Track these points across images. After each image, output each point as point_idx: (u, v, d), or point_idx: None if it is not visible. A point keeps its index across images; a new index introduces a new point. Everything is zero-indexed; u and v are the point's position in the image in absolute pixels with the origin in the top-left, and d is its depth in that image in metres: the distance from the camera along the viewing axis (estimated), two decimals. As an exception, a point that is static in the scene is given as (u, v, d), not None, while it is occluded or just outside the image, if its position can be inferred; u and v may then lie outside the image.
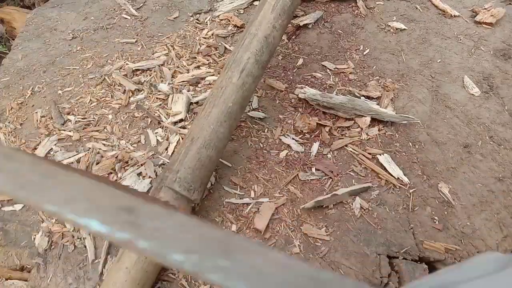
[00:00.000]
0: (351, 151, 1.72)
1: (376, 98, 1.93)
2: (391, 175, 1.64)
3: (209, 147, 1.43)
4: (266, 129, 1.80)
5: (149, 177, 1.61)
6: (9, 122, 1.82)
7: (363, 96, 1.92)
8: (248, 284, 0.22)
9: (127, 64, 2.06)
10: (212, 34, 2.23)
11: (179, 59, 2.09)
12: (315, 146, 1.73)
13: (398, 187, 1.62)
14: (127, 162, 1.66)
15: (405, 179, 1.64)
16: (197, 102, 1.89)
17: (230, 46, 2.17)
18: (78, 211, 0.25)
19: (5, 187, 0.26)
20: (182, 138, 1.75)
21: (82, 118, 1.83)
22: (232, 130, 1.54)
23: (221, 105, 1.48)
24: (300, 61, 2.10)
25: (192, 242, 0.23)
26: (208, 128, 1.45)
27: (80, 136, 1.75)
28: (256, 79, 1.57)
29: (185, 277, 1.38)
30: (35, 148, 1.71)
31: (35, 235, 1.47)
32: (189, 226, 0.24)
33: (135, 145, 1.73)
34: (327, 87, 1.97)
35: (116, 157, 1.66)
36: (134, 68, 2.03)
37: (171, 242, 0.23)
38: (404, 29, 2.30)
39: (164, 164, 1.66)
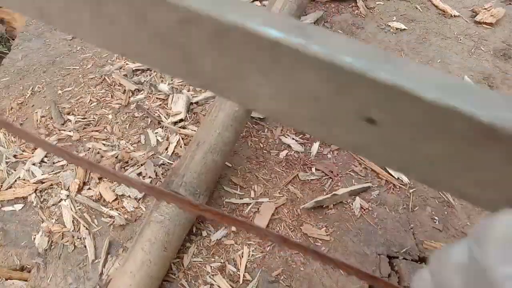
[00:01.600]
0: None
1: (376, 98, 1.93)
2: (391, 175, 1.64)
3: (215, 151, 1.43)
4: (266, 129, 1.80)
5: (149, 177, 1.61)
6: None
7: (363, 96, 1.92)
8: (410, 81, 0.25)
9: (127, 64, 2.06)
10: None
11: (179, 59, 2.09)
12: (315, 146, 1.73)
13: (398, 187, 1.62)
14: (127, 162, 1.66)
15: (405, 179, 1.64)
16: (197, 102, 1.89)
17: (230, 46, 2.17)
18: (258, 22, 0.28)
19: (192, 3, 0.29)
20: (182, 139, 1.75)
21: (82, 118, 1.83)
22: (238, 134, 1.54)
23: (227, 109, 1.49)
24: (300, 61, 2.10)
25: (358, 51, 0.26)
26: (214, 132, 1.45)
27: (80, 136, 1.75)
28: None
29: (185, 277, 1.38)
30: (35, 148, 1.71)
31: (35, 235, 1.47)
32: (352, 41, 0.27)
33: (135, 145, 1.73)
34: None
35: (116, 157, 1.67)
36: (134, 68, 2.03)
37: (340, 48, 0.26)
38: (404, 29, 2.30)
39: (164, 164, 1.66)
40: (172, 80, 1.98)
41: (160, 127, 1.80)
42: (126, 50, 0.37)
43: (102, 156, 1.67)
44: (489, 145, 0.25)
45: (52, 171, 1.63)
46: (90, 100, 1.90)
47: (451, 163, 0.28)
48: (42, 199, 1.56)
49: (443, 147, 0.27)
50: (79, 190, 1.56)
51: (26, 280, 1.39)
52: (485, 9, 2.40)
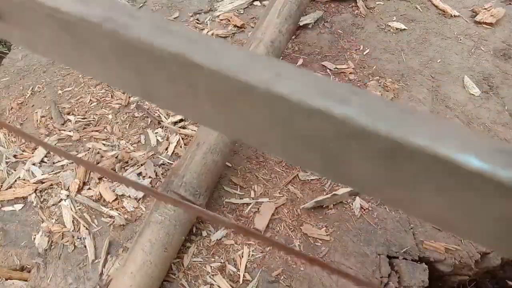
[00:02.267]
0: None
1: (376, 98, 1.92)
2: (391, 175, 1.64)
3: (215, 152, 1.43)
4: (266, 129, 1.80)
5: (149, 177, 1.61)
6: (9, 122, 1.82)
7: (363, 96, 1.92)
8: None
9: (127, 64, 2.05)
10: (212, 34, 2.23)
11: (179, 59, 2.09)
12: (315, 146, 1.73)
13: (398, 187, 1.62)
14: (127, 162, 1.66)
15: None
16: (197, 102, 1.89)
17: (230, 46, 2.17)
18: (452, 147, 0.24)
19: (360, 119, 0.26)
20: (182, 139, 1.75)
21: (82, 118, 1.83)
22: None
23: None
24: (300, 61, 2.10)
25: None
26: (214, 133, 1.45)
27: (80, 136, 1.75)
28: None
29: (185, 278, 1.38)
30: (35, 148, 1.71)
31: (35, 235, 1.47)
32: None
33: (135, 145, 1.73)
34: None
35: (116, 157, 1.66)
36: (134, 68, 2.02)
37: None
38: (404, 29, 2.30)
39: (164, 164, 1.66)
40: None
41: (160, 127, 1.80)
42: (251, 141, 0.34)
43: (102, 156, 1.67)
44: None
45: (52, 171, 1.63)
46: (90, 100, 1.90)
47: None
48: (42, 199, 1.56)
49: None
50: (79, 190, 1.56)
51: (26, 280, 1.39)
52: (485, 9, 2.40)
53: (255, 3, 2.42)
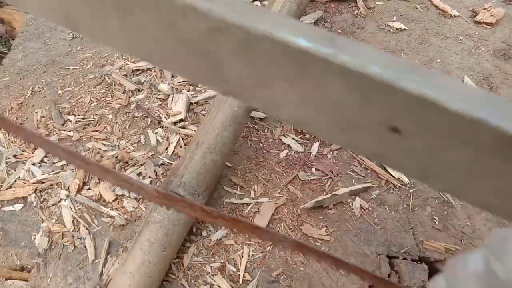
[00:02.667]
0: (351, 151, 1.72)
1: (376, 98, 1.93)
2: (391, 175, 1.64)
3: (214, 151, 1.43)
4: (266, 129, 1.80)
5: (149, 177, 1.61)
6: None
7: (363, 96, 1.92)
8: (438, 92, 0.26)
9: (127, 64, 2.06)
10: (212, 34, 2.23)
11: (179, 59, 2.09)
12: (315, 146, 1.73)
13: (398, 187, 1.62)
14: (127, 162, 1.66)
15: (405, 179, 1.64)
16: (197, 102, 1.89)
17: (230, 46, 2.17)
18: (287, 32, 0.28)
19: (219, 11, 0.30)
20: (182, 138, 1.75)
21: (82, 118, 1.83)
22: (237, 134, 1.54)
23: (226, 110, 1.49)
24: (300, 61, 2.10)
25: (387, 62, 0.27)
26: (213, 132, 1.45)
27: (80, 136, 1.75)
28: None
29: (185, 277, 1.38)
30: (35, 148, 1.71)
31: (35, 235, 1.47)
32: (381, 53, 0.28)
33: (135, 145, 1.73)
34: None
35: (116, 157, 1.67)
36: (134, 68, 2.03)
37: (369, 59, 0.27)
38: (404, 29, 2.30)
39: (164, 164, 1.66)
40: (172, 80, 1.98)
41: (160, 127, 1.80)
42: (151, 56, 0.37)
43: (102, 156, 1.67)
44: None
45: (52, 171, 1.63)
46: (90, 100, 1.90)
47: (472, 173, 0.28)
48: (42, 199, 1.56)
49: (466, 157, 0.27)
50: (79, 190, 1.56)
51: (26, 280, 1.39)
52: (485, 9, 2.40)
53: (255, 3, 2.42)
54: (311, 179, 1.63)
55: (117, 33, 0.37)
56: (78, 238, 1.45)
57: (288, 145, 1.74)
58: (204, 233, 1.47)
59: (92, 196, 1.55)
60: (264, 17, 0.30)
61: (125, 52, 0.42)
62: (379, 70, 0.26)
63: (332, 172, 1.65)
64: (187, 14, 0.31)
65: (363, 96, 0.28)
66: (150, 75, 2.01)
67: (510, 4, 2.49)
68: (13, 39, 2.48)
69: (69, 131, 1.77)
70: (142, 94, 1.93)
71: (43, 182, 1.60)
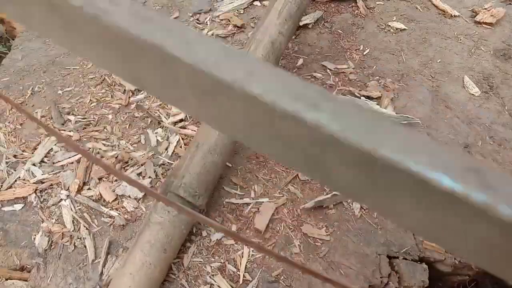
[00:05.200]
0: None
1: (376, 98, 1.93)
2: (391, 175, 1.64)
3: (215, 152, 1.43)
4: (266, 129, 1.80)
5: (149, 177, 1.61)
6: (9, 122, 1.82)
7: (363, 96, 1.92)
8: None
9: (127, 64, 2.05)
10: (212, 34, 2.23)
11: (179, 59, 2.09)
12: (315, 146, 1.73)
13: (398, 187, 1.62)
14: (127, 162, 1.66)
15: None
16: (197, 102, 1.89)
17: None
18: (422, 163, 0.23)
19: (326, 124, 0.25)
20: (182, 139, 1.75)
21: (82, 118, 1.83)
22: None
23: None
24: (300, 61, 2.10)
25: None
26: (214, 133, 1.45)
27: (80, 136, 1.75)
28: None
29: (185, 277, 1.38)
30: (35, 148, 1.71)
31: (35, 235, 1.46)
32: None
33: (135, 145, 1.73)
34: (327, 87, 1.97)
35: (116, 157, 1.66)
36: (134, 68, 2.02)
37: None
38: (404, 29, 2.30)
39: (164, 164, 1.66)
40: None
41: (160, 127, 1.80)
42: (237, 136, 0.34)
43: (102, 156, 1.67)
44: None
45: (52, 171, 1.63)
46: (90, 100, 1.90)
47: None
48: (42, 199, 1.56)
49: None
50: (79, 190, 1.56)
51: (26, 280, 1.39)
52: (485, 9, 2.40)
53: (255, 3, 2.42)
54: (311, 179, 1.63)
55: (193, 106, 0.34)
56: (78, 238, 1.45)
57: (288, 145, 1.73)
58: (204, 233, 1.47)
59: (92, 196, 1.55)
60: (390, 137, 0.25)
61: (203, 121, 0.39)
62: None
63: (332, 172, 1.65)
64: (286, 120, 0.27)
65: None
66: (150, 75, 2.01)
67: (510, 4, 2.49)
68: (13, 39, 2.48)
69: (69, 131, 1.77)
70: (142, 94, 1.92)
71: (43, 182, 1.60)
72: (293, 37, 2.23)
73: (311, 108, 0.26)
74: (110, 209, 1.51)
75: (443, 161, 0.23)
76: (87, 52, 0.36)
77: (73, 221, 1.49)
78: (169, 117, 1.82)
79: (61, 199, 1.55)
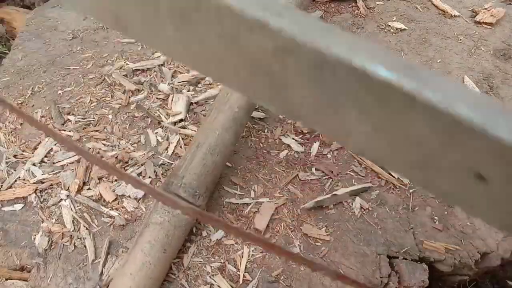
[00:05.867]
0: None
1: (376, 98, 1.93)
2: (391, 175, 1.64)
3: (215, 152, 1.43)
4: (266, 129, 1.80)
5: (149, 177, 1.61)
6: (9, 122, 1.82)
7: (363, 96, 1.92)
8: None
9: (127, 64, 2.06)
10: (212, 34, 2.23)
11: (179, 59, 2.09)
12: (315, 146, 1.73)
13: (398, 187, 1.62)
14: (127, 162, 1.66)
15: (405, 179, 1.64)
16: (197, 102, 1.89)
17: (230, 46, 2.17)
18: (364, 58, 0.26)
19: (292, 30, 0.27)
20: (182, 139, 1.75)
21: (82, 118, 1.83)
22: (238, 135, 1.54)
23: (226, 111, 1.49)
24: (300, 61, 2.10)
25: (475, 101, 0.24)
26: (214, 133, 1.45)
27: (80, 136, 1.75)
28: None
29: (185, 277, 1.38)
30: (35, 148, 1.71)
31: (35, 235, 1.46)
32: (468, 90, 0.25)
33: (135, 145, 1.73)
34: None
35: (116, 157, 1.66)
36: (134, 68, 2.03)
37: (456, 97, 0.24)
38: (404, 29, 2.30)
39: (164, 164, 1.66)
40: (172, 80, 1.99)
41: (160, 127, 1.80)
42: (209, 70, 0.35)
43: (102, 156, 1.67)
44: None
45: (52, 171, 1.63)
46: (90, 100, 1.90)
47: None
48: (42, 199, 1.56)
49: None
50: (79, 190, 1.56)
51: (26, 280, 1.39)
52: (485, 9, 2.40)
53: (255, 3, 2.42)
54: (311, 179, 1.63)
55: (171, 41, 0.34)
56: (78, 238, 1.45)
57: (288, 145, 1.74)
58: (204, 233, 1.47)
59: (92, 196, 1.55)
60: (340, 39, 0.27)
61: (179, 62, 0.41)
62: (468, 112, 0.23)
63: (332, 172, 1.65)
64: (254, 31, 0.29)
65: (447, 139, 0.25)
66: (150, 75, 2.01)
67: (510, 4, 2.49)
68: (13, 39, 2.48)
69: (69, 131, 1.77)
70: (142, 94, 1.93)
71: (43, 182, 1.60)
72: (293, 37, 2.23)
73: (275, 16, 0.28)
74: (110, 209, 1.52)
75: (382, 58, 0.26)
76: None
77: (73, 221, 1.49)
78: (169, 117, 1.82)
79: (61, 199, 1.55)
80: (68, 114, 1.85)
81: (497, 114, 0.24)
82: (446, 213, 1.57)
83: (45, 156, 1.69)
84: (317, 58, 0.27)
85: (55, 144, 1.72)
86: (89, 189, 1.58)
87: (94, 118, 1.83)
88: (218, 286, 1.35)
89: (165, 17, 0.33)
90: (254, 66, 0.31)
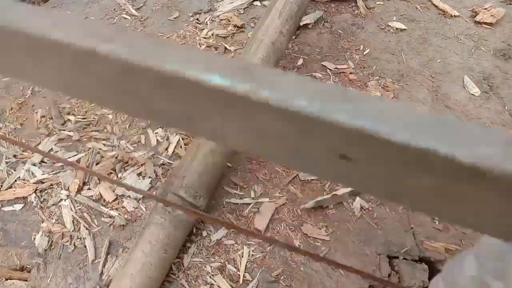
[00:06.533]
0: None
1: (376, 98, 1.93)
2: (391, 175, 1.64)
3: (215, 153, 1.43)
4: (266, 129, 1.80)
5: (149, 177, 1.61)
6: (9, 122, 1.82)
7: (363, 96, 1.92)
8: (374, 122, 0.23)
9: (127, 64, 2.05)
10: (212, 34, 2.23)
11: (179, 59, 2.09)
12: (315, 146, 1.73)
13: (398, 187, 1.62)
14: (127, 162, 1.66)
15: (405, 179, 1.64)
16: (197, 102, 1.89)
17: (230, 46, 2.17)
18: (198, 69, 0.26)
19: (121, 52, 0.28)
20: (182, 139, 1.75)
21: (82, 118, 1.82)
22: None
23: None
24: (300, 61, 2.10)
25: (312, 92, 0.25)
26: None
27: (80, 136, 1.75)
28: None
29: (185, 278, 1.38)
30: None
31: (35, 235, 1.46)
32: (304, 81, 0.26)
33: (135, 145, 1.73)
34: (327, 87, 1.97)
35: (116, 157, 1.66)
36: (134, 68, 2.02)
37: (291, 91, 0.25)
38: (404, 29, 2.30)
39: (164, 164, 1.66)
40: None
41: (160, 127, 1.80)
42: (72, 92, 0.37)
43: (102, 156, 1.67)
44: (476, 183, 0.23)
45: (52, 171, 1.63)
46: (90, 100, 1.90)
47: (442, 197, 0.26)
48: (42, 199, 1.56)
49: (428, 183, 0.25)
50: (79, 190, 1.56)
51: (26, 280, 1.39)
52: (485, 9, 2.40)
53: (255, 3, 2.42)
54: (311, 179, 1.63)
55: (31, 70, 0.35)
56: (78, 238, 1.45)
57: (288, 145, 1.73)
58: (204, 233, 1.47)
59: (92, 196, 1.55)
60: (174, 54, 0.28)
61: (49, 89, 0.43)
62: (305, 103, 0.24)
63: (332, 172, 1.65)
64: (92, 59, 0.29)
65: (298, 129, 0.26)
66: (150, 75, 2.01)
67: (510, 4, 2.49)
68: (13, 39, 2.47)
69: (69, 131, 1.77)
70: (142, 94, 1.92)
71: (43, 182, 1.60)
72: (293, 37, 2.23)
73: (106, 41, 0.29)
74: (110, 209, 1.51)
75: (217, 66, 0.27)
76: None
77: (73, 221, 1.49)
78: (169, 117, 1.82)
79: (61, 199, 1.55)
80: (68, 114, 1.85)
81: (335, 99, 0.25)
82: (446, 213, 1.56)
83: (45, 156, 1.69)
84: (156, 76, 0.28)
85: (55, 144, 1.72)
86: (89, 189, 1.58)
87: (94, 118, 1.83)
88: (218, 286, 1.35)
89: (20, 51, 0.34)
90: (112, 87, 0.32)
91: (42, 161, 1.67)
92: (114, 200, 1.54)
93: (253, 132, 0.29)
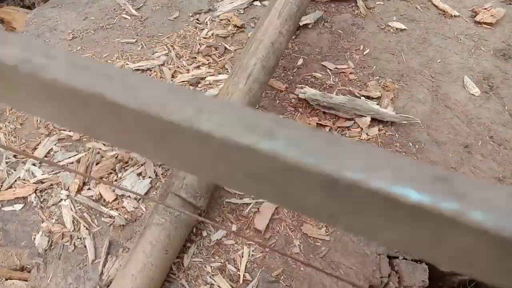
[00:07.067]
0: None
1: (376, 98, 1.93)
2: (391, 175, 1.64)
3: None
4: (266, 129, 1.79)
5: (149, 177, 1.61)
6: (9, 122, 1.82)
7: (363, 96, 1.92)
8: None
9: (127, 64, 2.06)
10: (212, 34, 2.23)
11: (179, 59, 2.09)
12: (315, 146, 1.73)
13: (398, 187, 1.62)
14: (127, 162, 1.65)
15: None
16: (197, 102, 1.89)
17: (230, 46, 2.17)
18: (385, 178, 0.22)
19: (288, 153, 0.25)
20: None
21: (82, 118, 1.82)
22: None
23: None
24: (300, 61, 2.10)
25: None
26: None
27: (80, 136, 1.75)
28: (262, 85, 1.57)
29: (185, 277, 1.38)
30: (35, 148, 1.71)
31: (35, 235, 1.46)
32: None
33: (135, 145, 1.73)
34: (327, 87, 1.97)
35: (116, 157, 1.66)
36: (134, 68, 2.03)
37: (504, 213, 0.21)
38: (404, 29, 2.30)
39: (164, 164, 1.66)
40: (172, 79, 1.98)
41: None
42: (208, 177, 0.36)
43: (102, 156, 1.67)
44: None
45: (52, 171, 1.63)
46: (90, 100, 1.90)
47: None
48: (42, 199, 1.56)
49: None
50: (79, 190, 1.56)
51: (26, 280, 1.39)
52: (485, 9, 2.40)
53: (255, 3, 2.42)
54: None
55: (156, 152, 0.35)
56: (78, 238, 1.45)
57: (288, 145, 1.73)
58: (204, 233, 1.47)
59: (92, 196, 1.55)
60: (351, 156, 0.25)
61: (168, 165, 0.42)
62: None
63: (332, 172, 1.65)
64: (242, 153, 0.28)
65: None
66: (150, 75, 2.01)
67: (510, 4, 2.49)
68: (13, 39, 2.47)
69: (69, 131, 1.77)
70: (142, 94, 1.92)
71: (43, 182, 1.60)
72: (293, 37, 2.23)
73: (267, 137, 0.26)
74: (110, 209, 1.51)
75: (407, 174, 0.23)
76: (35, 109, 0.36)
77: (73, 221, 1.49)
78: (169, 117, 1.82)
79: (61, 199, 1.55)
80: (68, 114, 1.84)
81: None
82: (446, 213, 1.56)
83: (45, 156, 1.69)
84: (324, 180, 0.25)
85: (55, 144, 1.72)
86: (89, 189, 1.58)
87: (94, 118, 1.83)
88: (218, 286, 1.35)
89: (138, 134, 0.33)
90: (252, 177, 0.30)
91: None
92: (114, 200, 1.54)
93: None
